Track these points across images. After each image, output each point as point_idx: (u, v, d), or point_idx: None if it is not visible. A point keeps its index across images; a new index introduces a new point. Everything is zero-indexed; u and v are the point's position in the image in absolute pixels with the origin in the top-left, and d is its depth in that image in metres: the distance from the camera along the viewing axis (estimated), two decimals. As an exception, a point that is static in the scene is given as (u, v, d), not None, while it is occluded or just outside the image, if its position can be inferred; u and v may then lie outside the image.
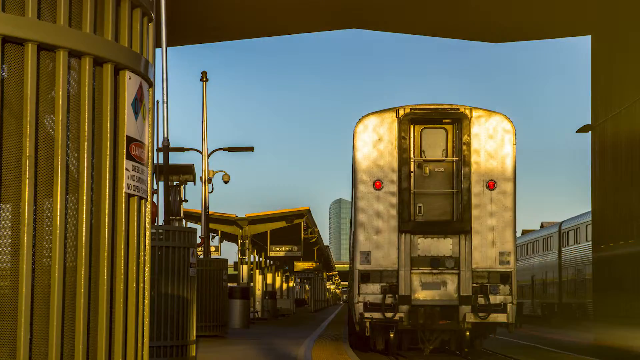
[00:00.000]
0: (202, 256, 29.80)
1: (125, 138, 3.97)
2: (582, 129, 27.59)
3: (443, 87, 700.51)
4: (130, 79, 4.02)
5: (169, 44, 21.35)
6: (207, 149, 33.53)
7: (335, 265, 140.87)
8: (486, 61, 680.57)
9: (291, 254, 47.22)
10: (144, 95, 4.18)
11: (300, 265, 64.92)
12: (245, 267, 42.56)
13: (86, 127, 3.76)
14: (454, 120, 20.29)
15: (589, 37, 27.99)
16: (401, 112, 20.35)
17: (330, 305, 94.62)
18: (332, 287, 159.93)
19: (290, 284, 68.98)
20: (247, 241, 42.90)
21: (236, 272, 43.24)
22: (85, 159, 3.75)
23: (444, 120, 20.43)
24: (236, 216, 42.60)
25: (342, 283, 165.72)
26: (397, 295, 19.99)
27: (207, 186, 33.15)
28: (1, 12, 3.44)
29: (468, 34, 30.39)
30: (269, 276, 56.20)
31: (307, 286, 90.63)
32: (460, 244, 19.93)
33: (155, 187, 21.28)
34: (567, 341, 30.78)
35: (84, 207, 3.74)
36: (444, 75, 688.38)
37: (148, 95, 4.26)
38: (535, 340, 30.90)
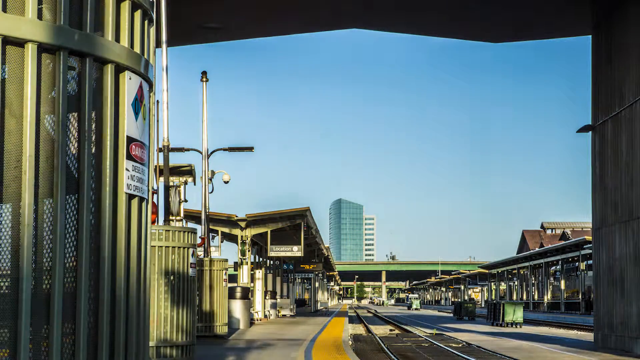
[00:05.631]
0: (202, 256, 29.80)
1: (125, 138, 3.97)
2: (582, 129, 27.56)
3: (441, 87, 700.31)
4: (130, 79, 4.02)
5: (169, 44, 21.35)
6: (207, 149, 33.52)
7: (336, 265, 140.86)
8: (486, 61, 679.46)
9: (291, 254, 47.20)
10: (144, 95, 4.18)
11: (301, 267, 64.98)
12: (245, 267, 42.56)
13: (86, 127, 3.76)
14: None
15: (589, 37, 27.98)
16: None
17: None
18: (335, 287, 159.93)
19: (291, 285, 68.97)
20: (247, 241, 42.89)
21: (236, 272, 43.24)
22: (85, 159, 3.75)
23: None
24: (236, 216, 42.57)
25: (342, 283, 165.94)
26: None
27: (207, 186, 33.14)
28: (1, 13, 3.44)
29: (468, 34, 30.39)
30: (269, 276, 56.20)
31: (306, 286, 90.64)
32: None
33: (155, 187, 21.28)
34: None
35: (84, 207, 3.74)
36: (443, 75, 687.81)
37: (148, 95, 4.25)
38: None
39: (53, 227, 3.60)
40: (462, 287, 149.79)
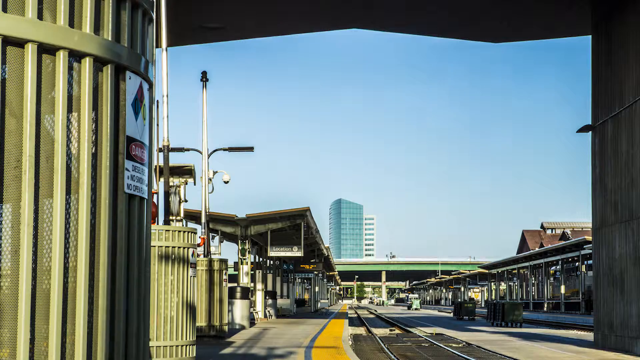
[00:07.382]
0: (202, 256, 29.79)
1: (125, 138, 3.97)
2: (582, 129, 27.56)
3: (441, 87, 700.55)
4: (130, 79, 4.02)
5: (169, 44, 21.35)
6: (207, 149, 33.52)
7: (335, 265, 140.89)
8: (486, 61, 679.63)
9: (291, 254, 47.20)
10: (144, 95, 4.18)
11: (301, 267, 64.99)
12: (245, 267, 42.55)
13: (86, 127, 3.76)
14: None
15: (589, 37, 27.98)
16: None
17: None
18: (335, 288, 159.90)
19: (291, 285, 68.95)
20: (247, 241, 42.88)
21: (236, 272, 43.25)
22: (85, 159, 3.75)
23: None
24: (236, 216, 42.58)
25: (342, 283, 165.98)
26: None
27: (207, 186, 33.14)
28: (1, 13, 3.44)
29: (468, 34, 30.38)
30: (269, 276, 56.19)
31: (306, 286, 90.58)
32: None
33: (155, 187, 21.28)
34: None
35: (84, 207, 3.73)
36: (443, 75, 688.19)
37: (148, 95, 4.25)
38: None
39: (53, 227, 3.60)
40: (462, 287, 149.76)
